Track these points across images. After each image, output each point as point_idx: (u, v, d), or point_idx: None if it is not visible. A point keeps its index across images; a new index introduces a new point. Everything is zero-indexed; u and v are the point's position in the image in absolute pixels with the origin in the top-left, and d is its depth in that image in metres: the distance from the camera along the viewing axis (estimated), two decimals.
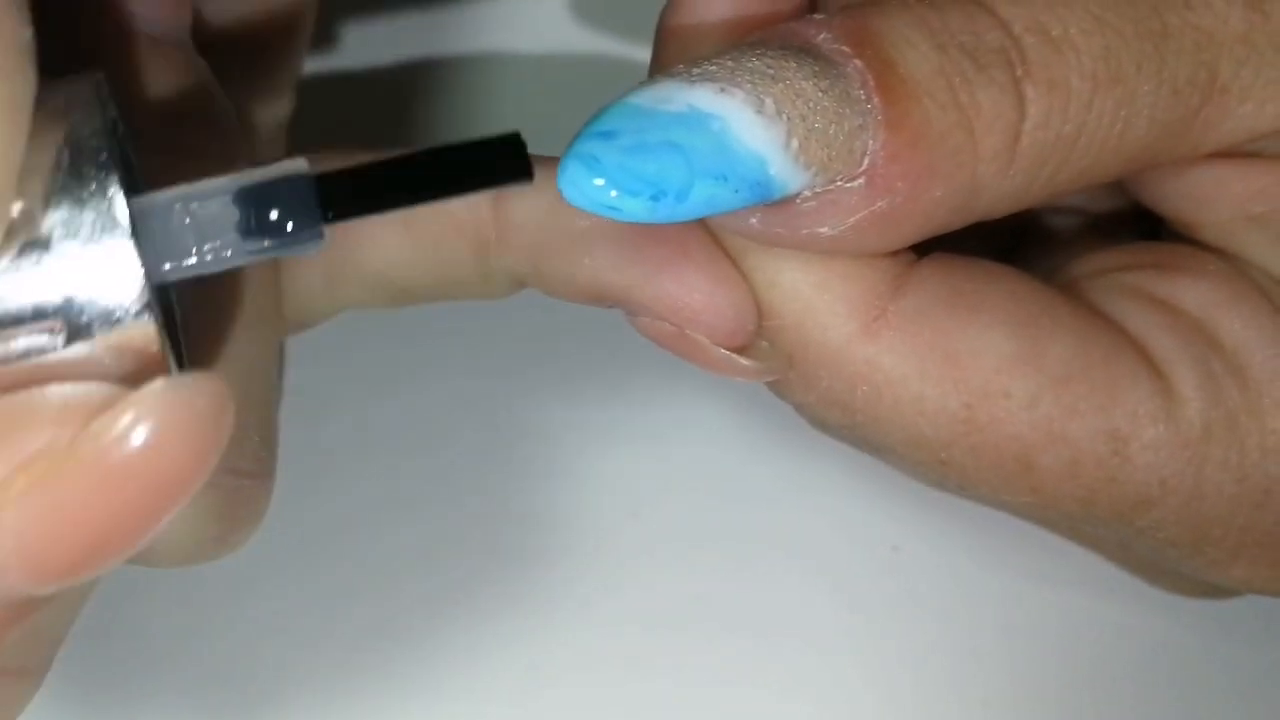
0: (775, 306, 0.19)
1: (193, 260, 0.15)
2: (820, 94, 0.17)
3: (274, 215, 0.14)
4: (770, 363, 0.19)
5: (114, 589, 0.26)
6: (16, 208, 0.14)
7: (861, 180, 0.17)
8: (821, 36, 0.18)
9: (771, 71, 0.17)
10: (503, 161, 0.16)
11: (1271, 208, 0.20)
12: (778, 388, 0.20)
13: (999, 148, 0.18)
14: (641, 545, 0.28)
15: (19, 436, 0.14)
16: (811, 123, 0.17)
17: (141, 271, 0.14)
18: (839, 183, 0.17)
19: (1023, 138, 0.18)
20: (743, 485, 0.28)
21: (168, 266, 0.14)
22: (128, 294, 0.14)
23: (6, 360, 0.14)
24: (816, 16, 0.18)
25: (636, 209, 0.17)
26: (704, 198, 0.17)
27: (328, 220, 0.15)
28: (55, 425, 0.14)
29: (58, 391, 0.14)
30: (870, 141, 0.17)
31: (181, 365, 0.16)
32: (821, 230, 0.18)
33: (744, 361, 0.19)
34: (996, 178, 0.18)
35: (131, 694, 0.27)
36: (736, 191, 0.17)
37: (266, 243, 0.15)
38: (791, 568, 0.27)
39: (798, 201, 0.18)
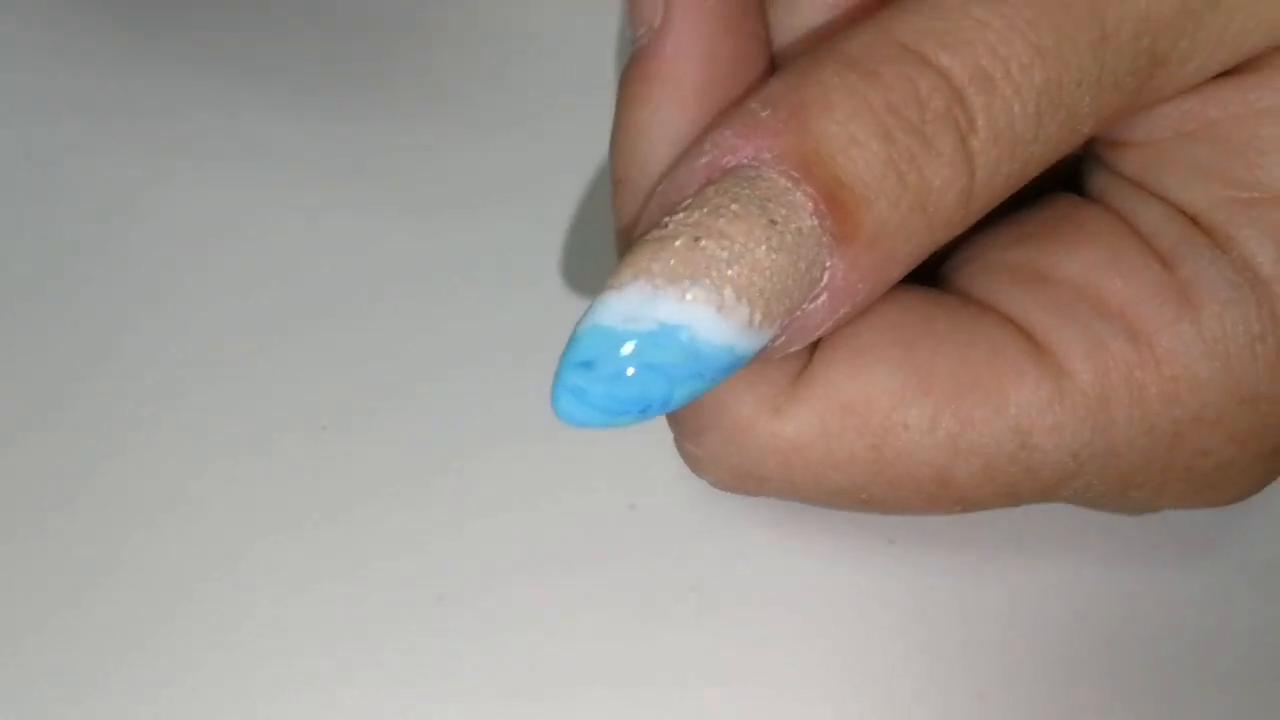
0: None
1: None
2: (776, 255, 0.17)
3: None
4: None
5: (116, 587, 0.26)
6: None
7: (823, 297, 0.18)
8: (766, 156, 0.18)
9: (725, 254, 0.17)
10: None
11: (1202, 126, 0.20)
12: (690, 464, 0.21)
13: (952, 210, 0.18)
14: (639, 538, 0.28)
15: None
16: (772, 289, 0.17)
17: None
18: (802, 309, 0.18)
19: (975, 190, 0.18)
20: None
21: None
22: None
23: None
24: (754, 110, 0.18)
25: (627, 422, 0.18)
26: (684, 396, 0.18)
27: None
28: None
29: None
30: (827, 261, 0.18)
31: None
32: (792, 349, 0.19)
33: None
34: (952, 229, 0.18)
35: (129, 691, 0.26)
36: (714, 380, 0.18)
37: None
38: (786, 560, 0.28)
39: (768, 344, 0.18)
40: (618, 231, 0.21)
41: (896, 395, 0.19)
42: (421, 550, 0.28)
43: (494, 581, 0.27)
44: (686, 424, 0.20)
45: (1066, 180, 0.22)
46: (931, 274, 0.22)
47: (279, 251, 0.30)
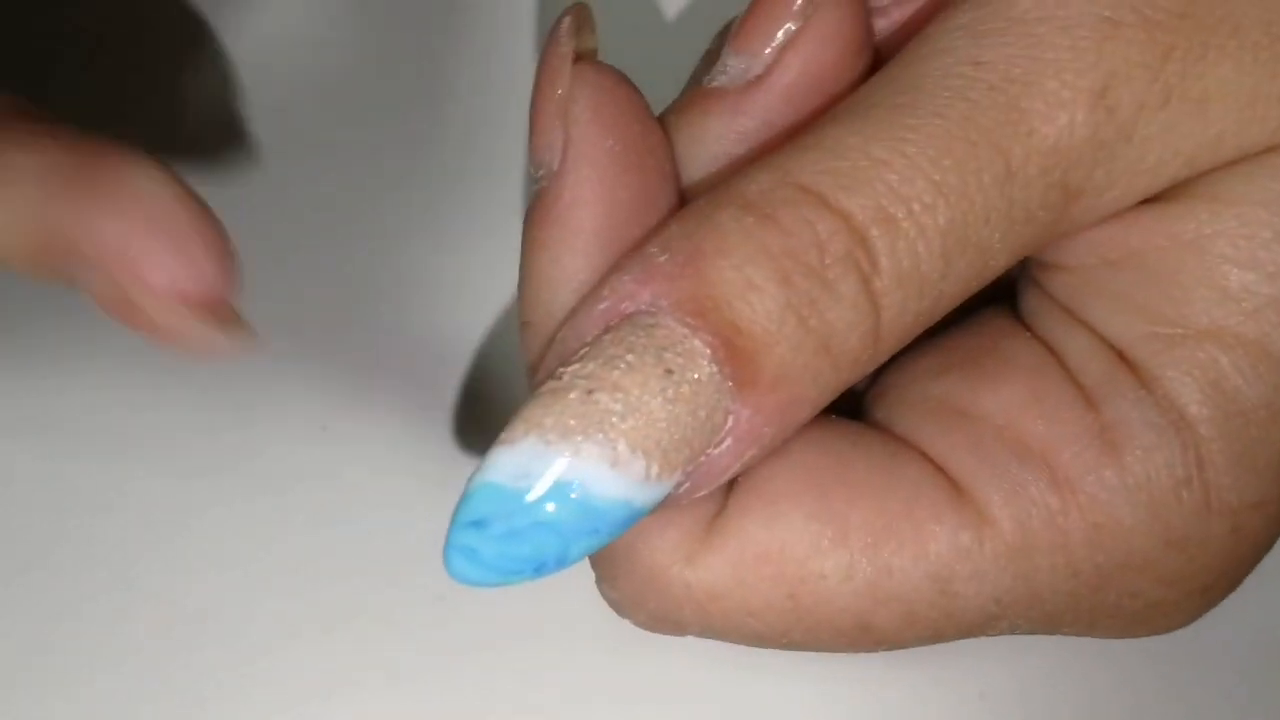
0: None
1: None
2: (672, 405, 0.17)
3: None
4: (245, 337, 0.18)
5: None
6: None
7: (728, 442, 0.18)
8: (663, 303, 0.17)
9: (619, 406, 0.17)
10: None
11: (1126, 255, 0.19)
12: (611, 606, 0.21)
13: (859, 351, 0.18)
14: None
15: None
16: (669, 440, 0.17)
17: None
18: (706, 454, 0.18)
19: (881, 331, 0.18)
20: None
21: None
22: None
23: None
24: (652, 254, 0.18)
25: (523, 579, 0.17)
26: (581, 552, 0.17)
27: None
28: None
29: None
30: (729, 406, 0.17)
31: None
32: (697, 495, 0.18)
33: (205, 328, 0.18)
34: (861, 369, 0.18)
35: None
36: (611, 534, 0.17)
37: None
38: None
39: (670, 493, 0.18)
40: (527, 373, 0.20)
41: (812, 544, 0.19)
42: (421, 550, 0.28)
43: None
44: (602, 569, 0.20)
45: (1005, 292, 0.22)
46: (855, 399, 0.22)
47: (280, 250, 0.30)
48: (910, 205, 0.17)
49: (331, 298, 0.29)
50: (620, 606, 0.21)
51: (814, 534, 0.19)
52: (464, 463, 0.29)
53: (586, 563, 0.27)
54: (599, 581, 0.21)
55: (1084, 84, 0.17)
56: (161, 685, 0.27)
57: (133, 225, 0.17)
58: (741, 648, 0.26)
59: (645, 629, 0.21)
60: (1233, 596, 0.25)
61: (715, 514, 0.19)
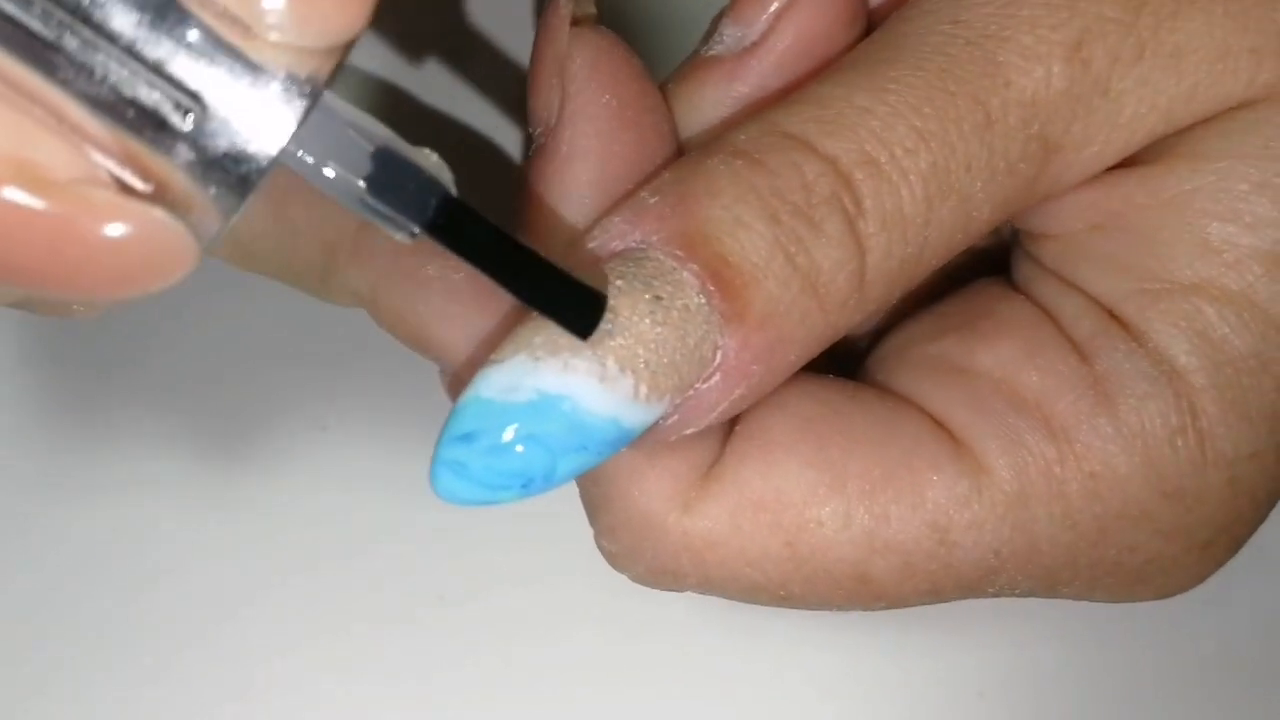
0: (605, 473, 0.19)
1: (314, 164, 0.15)
2: (660, 328, 0.17)
3: (395, 188, 0.15)
4: None
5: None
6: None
7: (716, 377, 0.18)
8: (653, 239, 0.18)
9: (608, 325, 0.17)
10: (577, 310, 0.16)
11: (1110, 218, 0.19)
12: (608, 560, 0.21)
13: (846, 293, 0.18)
14: None
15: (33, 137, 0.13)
16: (657, 362, 0.17)
17: (288, 137, 0.14)
18: (695, 388, 0.18)
19: (867, 274, 0.18)
20: None
21: (300, 152, 0.15)
22: (262, 145, 0.14)
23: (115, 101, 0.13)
24: (644, 198, 0.18)
25: (510, 498, 0.18)
26: (569, 470, 0.17)
27: (424, 229, 0.15)
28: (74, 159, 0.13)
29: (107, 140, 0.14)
30: (718, 340, 0.17)
31: None
32: (688, 430, 0.18)
33: None
34: (848, 313, 0.18)
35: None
36: (600, 453, 0.17)
37: (368, 199, 0.15)
38: None
39: (660, 422, 0.18)
40: None
41: (809, 491, 0.19)
42: (421, 550, 0.28)
43: (494, 582, 0.28)
44: (599, 520, 0.20)
45: (999, 271, 0.22)
46: (854, 365, 0.22)
47: None
48: (893, 149, 0.18)
49: None
50: (617, 559, 0.20)
51: (810, 481, 0.19)
52: None
53: (586, 559, 0.27)
54: (597, 536, 0.21)
55: (1058, 38, 0.18)
56: (162, 684, 0.27)
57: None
58: (738, 638, 0.26)
59: (643, 583, 0.21)
60: (1231, 597, 0.25)
61: (711, 463, 0.20)
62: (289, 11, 0.13)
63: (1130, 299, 0.19)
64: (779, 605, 0.20)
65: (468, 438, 0.17)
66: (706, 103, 0.20)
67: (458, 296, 0.19)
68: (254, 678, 0.27)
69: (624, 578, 0.27)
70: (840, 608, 0.20)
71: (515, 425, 0.17)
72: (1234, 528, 0.20)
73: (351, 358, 0.29)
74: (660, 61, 0.21)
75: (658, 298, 0.17)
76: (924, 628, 0.27)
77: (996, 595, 0.21)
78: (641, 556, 0.20)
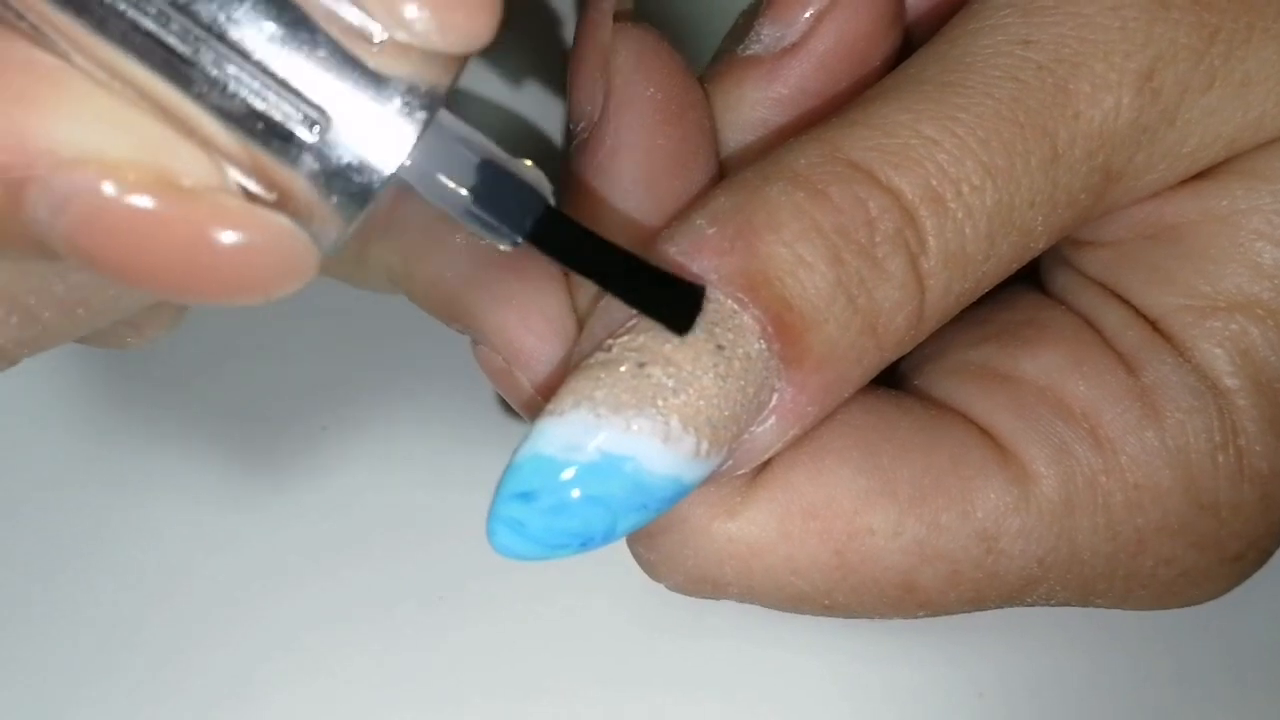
0: None
1: (427, 175, 0.15)
2: (723, 382, 0.17)
3: (498, 199, 0.15)
4: None
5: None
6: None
7: (771, 420, 0.18)
8: (713, 277, 0.17)
9: (671, 382, 0.17)
10: (674, 307, 0.16)
11: (1162, 230, 0.19)
12: (644, 569, 0.20)
13: (903, 331, 0.18)
14: None
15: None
16: (719, 417, 0.17)
17: (410, 149, 0.14)
18: (750, 431, 0.18)
19: (925, 310, 0.18)
20: None
21: (409, 163, 0.14)
22: (384, 156, 0.14)
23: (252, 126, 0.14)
24: (700, 226, 0.17)
25: (568, 554, 0.17)
26: (628, 527, 0.17)
27: (526, 238, 0.15)
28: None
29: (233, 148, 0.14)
30: (775, 384, 0.17)
31: None
32: (739, 472, 0.18)
33: None
34: (903, 349, 0.18)
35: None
36: (659, 510, 0.17)
37: (474, 209, 0.15)
38: None
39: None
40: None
41: (861, 499, 0.19)
42: (421, 550, 0.28)
43: (494, 582, 0.28)
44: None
45: (1025, 273, 0.22)
46: (889, 371, 0.22)
47: None
48: (959, 186, 0.17)
49: (331, 297, 0.29)
50: (655, 567, 0.20)
51: (862, 488, 0.19)
52: (464, 462, 0.29)
53: (589, 561, 0.27)
54: (632, 543, 0.20)
55: (1131, 66, 0.18)
56: (162, 683, 0.27)
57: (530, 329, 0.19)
58: (738, 639, 0.26)
59: (681, 592, 0.20)
60: (1234, 603, 0.25)
61: (757, 470, 0.19)
62: (432, 18, 0.13)
63: (1177, 313, 0.19)
64: (819, 614, 0.20)
65: (527, 496, 0.17)
66: (744, 103, 0.20)
67: (486, 262, 0.19)
68: (251, 676, 0.27)
69: (625, 580, 0.27)
70: (881, 616, 0.20)
71: (578, 487, 0.16)
72: (1263, 541, 0.20)
73: (351, 358, 0.29)
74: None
75: (719, 347, 0.17)
76: (924, 628, 0.27)
77: (1032, 604, 0.21)
78: (682, 564, 0.19)
